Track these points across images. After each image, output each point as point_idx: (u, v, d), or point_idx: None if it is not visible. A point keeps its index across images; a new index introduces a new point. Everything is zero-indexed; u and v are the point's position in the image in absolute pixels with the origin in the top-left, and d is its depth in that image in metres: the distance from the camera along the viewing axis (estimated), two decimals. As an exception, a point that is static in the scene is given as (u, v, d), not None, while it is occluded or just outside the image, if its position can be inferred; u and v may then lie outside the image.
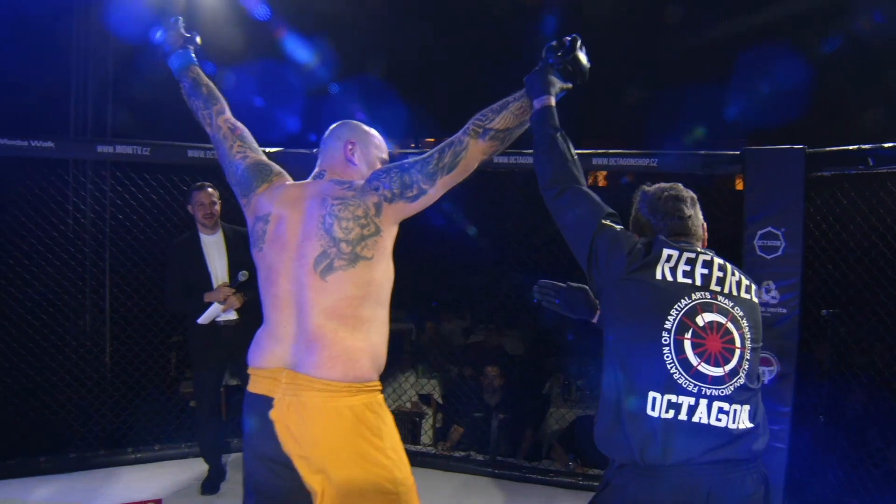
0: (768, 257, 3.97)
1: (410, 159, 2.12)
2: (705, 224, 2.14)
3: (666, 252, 1.92)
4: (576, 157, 2.10)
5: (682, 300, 1.87)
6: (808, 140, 3.90)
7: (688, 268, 1.90)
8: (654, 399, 1.81)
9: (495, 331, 6.68)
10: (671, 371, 1.82)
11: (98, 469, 4.49)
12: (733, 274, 1.96)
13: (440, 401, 6.12)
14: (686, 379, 1.81)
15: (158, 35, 2.57)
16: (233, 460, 4.63)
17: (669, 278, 1.88)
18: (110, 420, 4.82)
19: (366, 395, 2.01)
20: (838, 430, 4.24)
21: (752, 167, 4.09)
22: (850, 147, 3.82)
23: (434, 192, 2.10)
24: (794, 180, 3.97)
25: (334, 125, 2.32)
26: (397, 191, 2.06)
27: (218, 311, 3.99)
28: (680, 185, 2.11)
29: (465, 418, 5.38)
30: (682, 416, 1.79)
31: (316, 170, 2.25)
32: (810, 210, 4.00)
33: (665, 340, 1.83)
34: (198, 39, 2.58)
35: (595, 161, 4.36)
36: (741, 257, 3.91)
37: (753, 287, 1.99)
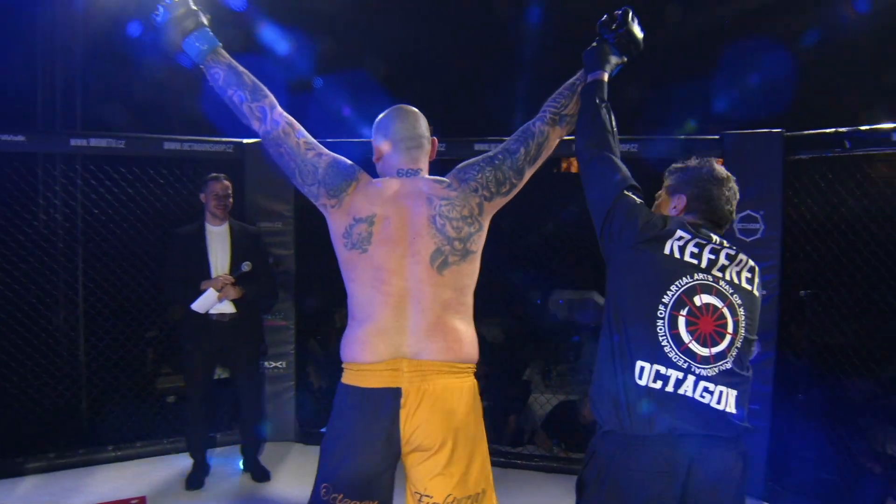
0: (748, 240, 4.03)
1: (495, 153, 2.25)
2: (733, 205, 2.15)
3: (679, 232, 1.97)
4: (615, 129, 2.19)
5: (684, 278, 1.93)
6: (795, 128, 3.96)
7: (696, 250, 1.95)
8: (643, 368, 1.88)
9: (475, 319, 6.68)
10: (662, 344, 1.88)
11: (79, 468, 4.41)
12: (739, 264, 2.00)
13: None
14: (676, 354, 1.88)
15: (160, 15, 2.24)
16: (218, 455, 4.59)
17: (677, 255, 1.94)
18: (89, 418, 4.74)
19: (473, 377, 2.18)
20: (817, 408, 4.32)
21: (731, 151, 4.15)
22: (828, 130, 3.87)
23: (521, 184, 2.28)
24: (772, 163, 4.04)
25: (401, 112, 2.30)
26: (494, 189, 2.22)
27: (213, 300, 3.95)
28: (717, 165, 2.13)
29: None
30: (669, 388, 1.86)
31: (402, 166, 2.24)
32: (789, 193, 4.06)
33: (661, 314, 1.90)
34: (206, 17, 2.27)
35: (574, 146, 4.35)
36: (721, 240, 3.95)
37: (757, 280, 2.03)
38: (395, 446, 2.08)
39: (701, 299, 1.92)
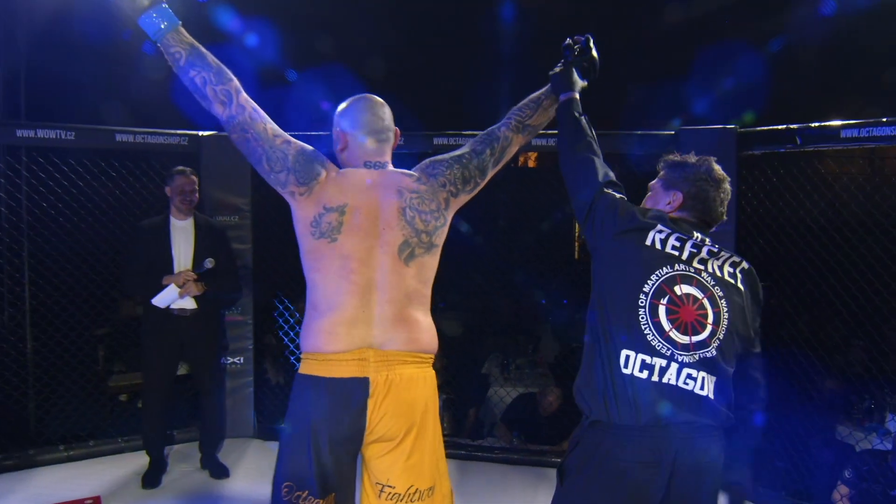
0: (703, 233, 4.11)
1: (462, 152, 2.33)
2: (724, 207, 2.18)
3: (659, 225, 2.01)
4: (595, 136, 2.26)
5: (665, 268, 1.97)
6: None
7: (677, 244, 1.99)
8: (629, 357, 1.91)
9: (433, 313, 6.69)
10: (645, 332, 1.92)
11: (30, 469, 4.29)
12: (721, 259, 2.03)
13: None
14: (659, 341, 1.91)
15: None
16: (175, 452, 4.51)
17: (658, 247, 1.98)
18: (39, 417, 4.61)
19: (432, 368, 2.23)
20: (771, 398, 4.43)
21: (686, 146, 4.18)
22: (779, 127, 3.98)
23: (483, 184, 2.37)
24: (726, 158, 4.10)
25: (369, 102, 2.30)
26: (460, 186, 2.29)
27: (174, 296, 3.89)
28: (716, 165, 2.15)
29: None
30: (654, 378, 1.89)
31: (370, 157, 2.25)
32: (742, 188, 4.16)
33: (641, 302, 1.94)
34: None
35: (534, 142, 4.40)
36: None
37: (740, 276, 2.05)
38: (360, 437, 2.09)
39: (681, 289, 1.95)
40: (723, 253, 2.04)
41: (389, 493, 2.11)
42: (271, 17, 7.27)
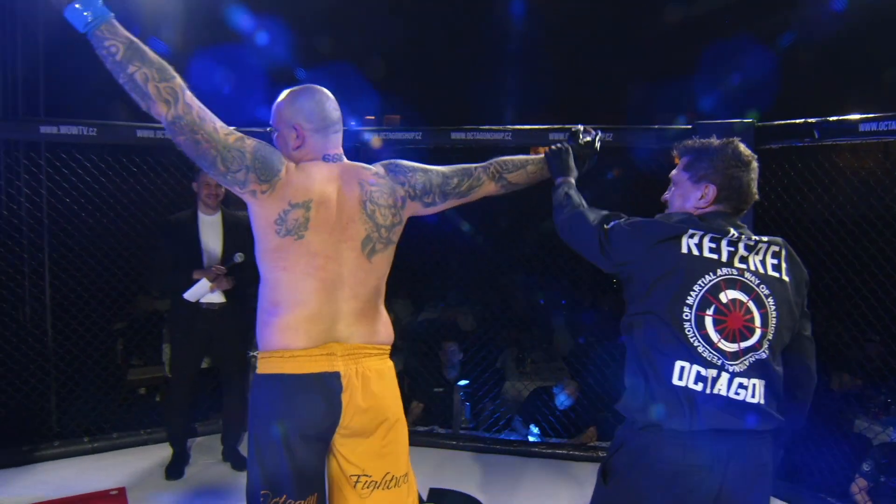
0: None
1: (432, 168, 2.35)
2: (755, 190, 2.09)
3: (690, 229, 1.92)
4: (586, 206, 2.27)
5: (707, 275, 1.88)
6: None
7: (713, 245, 1.91)
8: (683, 368, 1.85)
9: (448, 307, 6.74)
10: (695, 344, 1.85)
11: (55, 461, 4.36)
12: (761, 251, 1.95)
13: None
14: (710, 352, 1.84)
15: None
16: (197, 444, 4.57)
17: (696, 252, 1.89)
18: (63, 410, 4.68)
19: (389, 358, 2.27)
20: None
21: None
22: (797, 121, 3.97)
23: (440, 208, 2.37)
24: (744, 153, 4.13)
25: (321, 94, 2.22)
26: (419, 192, 2.30)
27: (206, 290, 3.92)
28: (741, 145, 2.06)
29: (424, 394, 5.42)
30: (706, 388, 1.83)
31: (329, 151, 2.21)
32: (759, 181, 4.15)
33: (686, 316, 1.86)
34: None
35: (552, 136, 4.41)
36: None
37: (785, 265, 1.96)
38: (332, 432, 2.10)
39: (727, 295, 1.88)
40: (760, 243, 1.95)
41: (366, 482, 2.13)
42: (279, 16, 7.31)
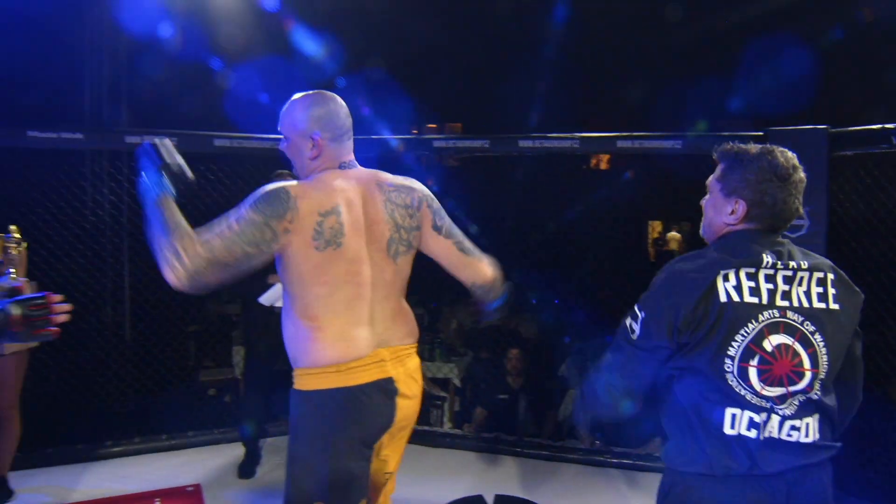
0: (793, 236, 4.05)
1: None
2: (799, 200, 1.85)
3: (722, 270, 1.72)
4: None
5: (749, 324, 1.70)
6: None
7: (752, 284, 1.72)
8: (734, 416, 1.71)
9: (511, 315, 6.75)
10: (741, 393, 1.71)
11: (134, 456, 4.55)
12: (800, 280, 1.76)
13: (458, 384, 6.19)
14: (757, 398, 1.70)
15: (151, 146, 2.15)
16: (268, 444, 4.70)
17: (735, 298, 1.70)
18: (143, 408, 4.87)
19: None
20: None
21: (775, 148, 4.17)
22: (873, 126, 3.89)
23: (443, 245, 2.26)
24: (817, 160, 4.04)
25: (335, 101, 2.17)
26: (435, 206, 2.26)
27: (280, 294, 4.04)
28: (780, 155, 1.81)
29: (487, 400, 5.45)
30: (760, 434, 1.71)
31: (344, 158, 2.17)
32: (833, 189, 4.08)
33: (728, 367, 1.70)
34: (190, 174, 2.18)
35: (620, 144, 4.42)
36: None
37: (832, 291, 1.78)
38: (382, 435, 2.11)
39: (770, 343, 1.71)
40: (801, 271, 1.75)
41: (387, 477, 2.22)
42: (321, 26, 7.47)
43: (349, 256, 2.04)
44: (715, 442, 1.72)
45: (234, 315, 6.14)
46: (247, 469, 4.27)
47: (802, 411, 1.72)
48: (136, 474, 4.27)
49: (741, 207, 1.80)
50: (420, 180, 2.30)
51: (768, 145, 1.84)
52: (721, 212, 1.85)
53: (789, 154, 1.82)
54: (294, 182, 2.06)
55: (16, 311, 1.76)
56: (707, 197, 1.93)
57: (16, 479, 3.90)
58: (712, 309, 1.68)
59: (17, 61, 4.93)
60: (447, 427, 5.68)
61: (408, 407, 2.14)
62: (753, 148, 1.83)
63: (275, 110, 2.26)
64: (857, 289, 1.84)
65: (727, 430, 1.71)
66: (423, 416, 5.68)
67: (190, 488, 4.09)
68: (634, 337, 1.78)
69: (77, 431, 4.53)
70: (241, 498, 3.99)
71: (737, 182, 1.81)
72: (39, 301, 1.80)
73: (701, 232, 1.96)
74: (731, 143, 1.89)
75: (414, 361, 2.21)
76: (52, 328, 1.81)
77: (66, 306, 1.84)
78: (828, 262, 1.82)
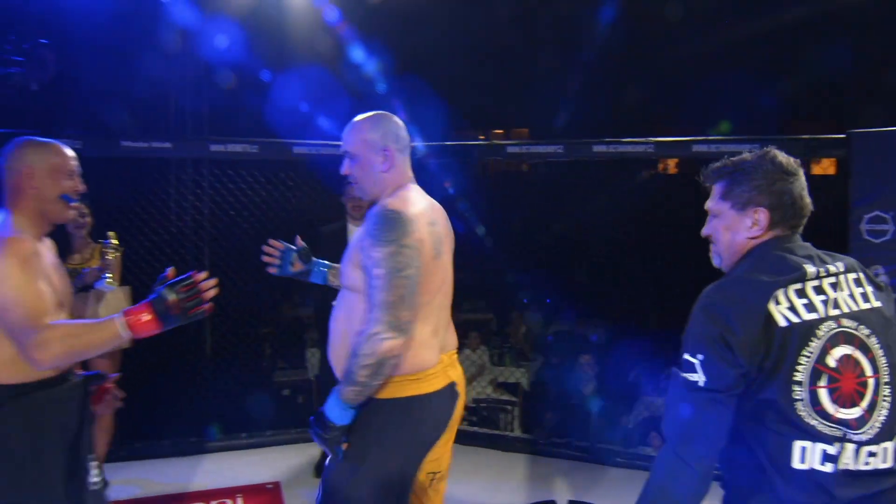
0: (876, 241, 3.95)
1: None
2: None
3: (773, 292, 1.62)
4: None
5: (811, 342, 1.61)
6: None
7: (805, 300, 1.63)
8: (804, 449, 1.60)
9: (580, 320, 6.75)
10: (812, 423, 1.59)
11: (216, 452, 4.73)
12: (845, 285, 1.69)
13: (527, 388, 6.21)
14: (829, 426, 1.59)
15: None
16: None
17: (795, 320, 1.61)
18: (223, 406, 5.04)
19: None
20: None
21: (858, 150, 4.07)
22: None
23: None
24: (900, 162, 3.95)
25: (397, 119, 2.23)
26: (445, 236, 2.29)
27: None
28: (779, 154, 1.75)
29: (558, 405, 5.45)
30: (833, 468, 1.60)
31: (410, 173, 2.25)
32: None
33: (798, 395, 1.59)
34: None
35: (695, 148, 4.39)
36: (847, 242, 3.92)
37: (870, 289, 1.71)
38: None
39: (833, 357, 1.61)
40: (840, 275, 1.68)
41: (439, 476, 2.29)
42: (362, 34, 7.57)
43: (443, 265, 2.17)
44: (782, 477, 1.61)
45: (307, 318, 6.29)
46: (323, 468, 4.37)
47: (881, 436, 1.62)
48: (218, 470, 4.44)
49: (763, 215, 1.72)
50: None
51: (761, 149, 1.80)
52: (740, 229, 1.76)
53: (783, 155, 1.77)
54: (392, 201, 2.08)
55: (171, 296, 1.86)
56: (712, 223, 1.83)
57: (107, 471, 4.09)
58: (774, 338, 1.58)
59: (108, 76, 5.19)
60: (517, 432, 5.70)
61: (461, 407, 2.25)
62: (748, 155, 1.78)
63: (329, 118, 2.35)
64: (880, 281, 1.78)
65: (796, 465, 1.59)
66: (493, 420, 5.74)
67: (270, 485, 4.22)
68: (703, 384, 1.60)
69: (164, 428, 4.73)
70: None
71: (748, 192, 1.73)
72: (188, 282, 1.89)
73: (715, 262, 1.85)
74: (714, 164, 1.82)
75: (460, 365, 2.33)
76: (205, 305, 1.90)
77: (212, 281, 1.91)
78: (852, 259, 1.76)
